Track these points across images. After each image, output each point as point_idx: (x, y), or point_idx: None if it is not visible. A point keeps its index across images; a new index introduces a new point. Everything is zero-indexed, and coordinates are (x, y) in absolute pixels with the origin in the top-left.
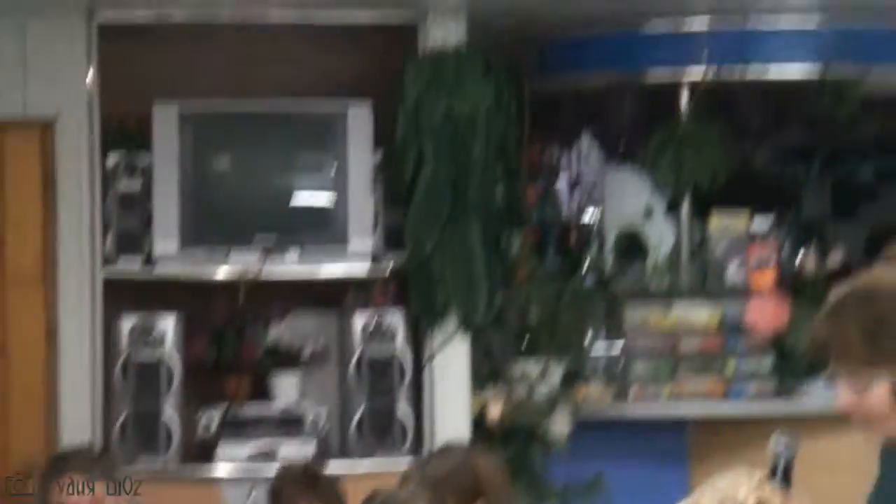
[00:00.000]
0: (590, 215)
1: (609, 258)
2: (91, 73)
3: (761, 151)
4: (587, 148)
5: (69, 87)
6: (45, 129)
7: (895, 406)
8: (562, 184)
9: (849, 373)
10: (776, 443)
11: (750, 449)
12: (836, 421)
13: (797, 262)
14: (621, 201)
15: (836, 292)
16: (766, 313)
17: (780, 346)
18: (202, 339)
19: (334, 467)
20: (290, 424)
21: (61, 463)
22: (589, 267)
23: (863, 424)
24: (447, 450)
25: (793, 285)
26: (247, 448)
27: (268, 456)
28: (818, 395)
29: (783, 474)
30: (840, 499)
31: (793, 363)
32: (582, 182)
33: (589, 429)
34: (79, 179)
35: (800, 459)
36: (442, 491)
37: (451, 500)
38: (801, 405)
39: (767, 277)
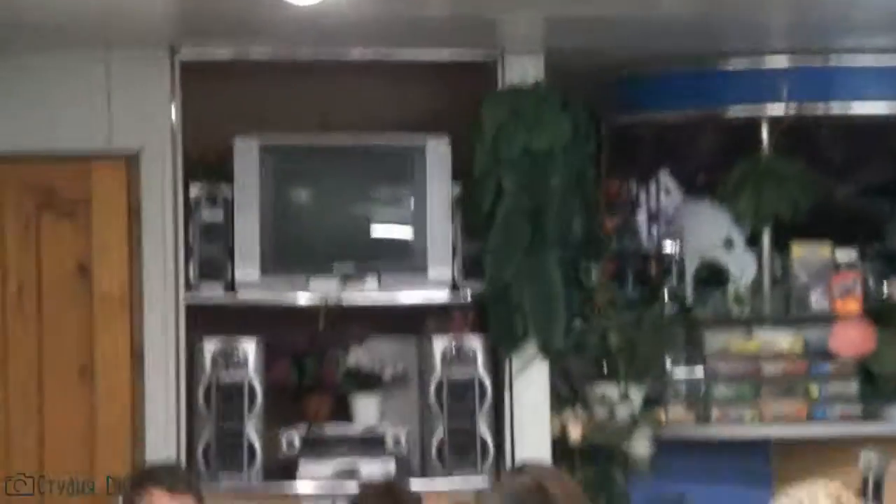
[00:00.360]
0: (669, 246)
1: (689, 287)
2: (174, 107)
3: (844, 185)
4: (666, 182)
5: (153, 121)
6: (130, 162)
7: None
8: (641, 216)
9: None
10: (865, 459)
11: (834, 470)
12: None
13: (882, 290)
14: (700, 233)
15: None
16: (851, 338)
17: (865, 370)
18: (283, 362)
19: (415, 486)
20: (370, 444)
21: (146, 475)
22: (668, 295)
23: None
24: (521, 470)
25: (878, 312)
26: (328, 467)
27: (349, 474)
28: None
29: (874, 490)
30: None
31: (879, 386)
32: (661, 215)
33: (672, 451)
34: (162, 209)
35: (890, 480)
36: None
37: None
38: (887, 427)
39: (852, 304)
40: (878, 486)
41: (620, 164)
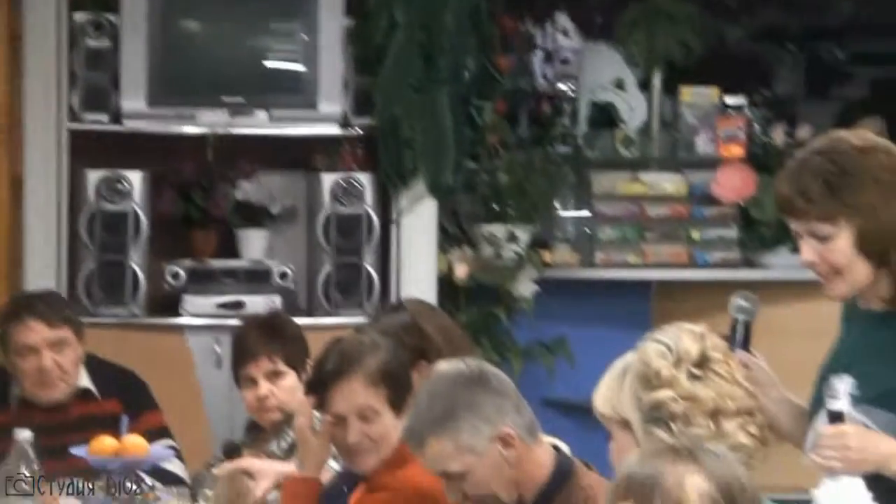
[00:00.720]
0: (563, 87)
1: (580, 129)
2: None
3: (735, 30)
4: (563, 23)
5: None
6: None
7: (857, 258)
8: (536, 57)
9: (811, 227)
10: (736, 304)
11: (712, 314)
12: (798, 289)
13: (767, 137)
14: (594, 75)
15: (801, 151)
16: (733, 183)
17: (746, 215)
18: (170, 194)
19: (301, 323)
20: (256, 279)
21: (23, 305)
22: (560, 136)
23: (827, 279)
24: (398, 307)
25: (761, 158)
26: (213, 300)
27: (234, 308)
28: (782, 264)
29: (743, 334)
30: (802, 364)
31: (758, 233)
32: (556, 56)
33: (555, 292)
34: (45, 35)
35: (762, 326)
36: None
37: (406, 354)
38: (765, 273)
39: (736, 149)
40: (747, 331)
41: (518, 2)
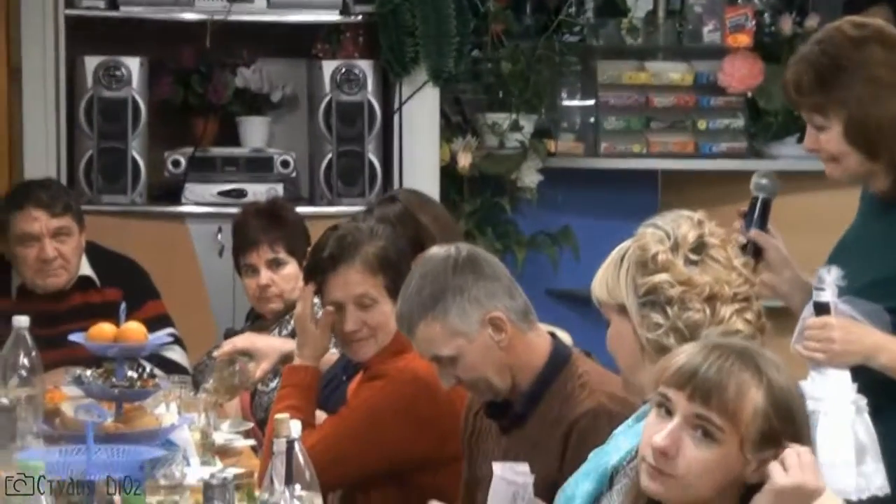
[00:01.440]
0: None
1: (586, 17)
2: None
3: None
4: None
5: None
6: None
7: (848, 148)
8: None
9: (807, 116)
10: (755, 182)
11: (719, 204)
12: (805, 179)
13: (775, 25)
14: None
15: (807, 41)
16: (740, 72)
17: (753, 105)
18: (168, 81)
19: (302, 211)
20: (257, 167)
21: (24, 194)
22: (565, 25)
23: (826, 163)
24: (393, 198)
25: (769, 47)
26: (213, 188)
27: (235, 196)
28: (789, 155)
29: (761, 212)
30: (809, 256)
31: (765, 122)
32: None
33: (559, 182)
34: None
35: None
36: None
37: (403, 242)
38: (772, 164)
39: (743, 38)
40: (765, 209)
41: None
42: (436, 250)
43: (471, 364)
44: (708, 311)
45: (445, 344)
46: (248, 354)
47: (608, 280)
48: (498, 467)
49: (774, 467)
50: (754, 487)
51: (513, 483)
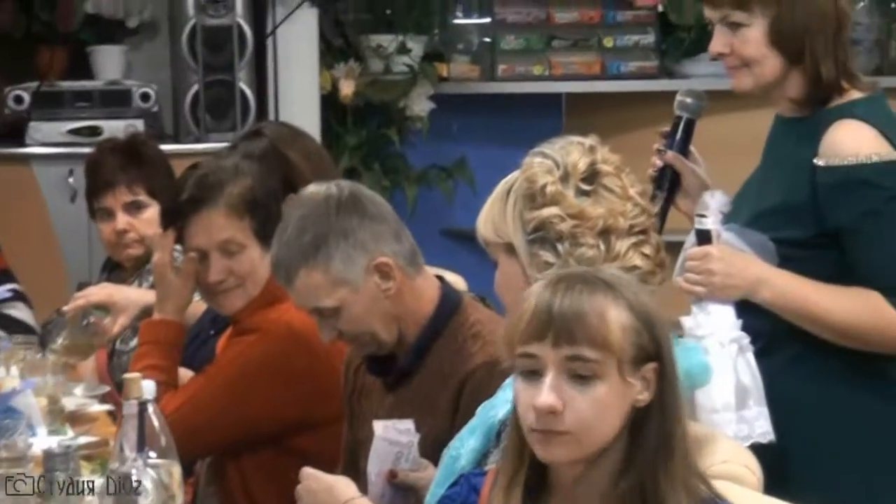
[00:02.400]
0: None
1: None
2: None
3: None
4: None
5: None
6: None
7: (769, 51)
8: None
9: (725, 14)
10: (679, 100)
11: (629, 128)
12: (721, 99)
13: None
14: None
15: None
16: None
17: (663, 20)
18: (8, 7)
19: (166, 150)
20: (113, 101)
21: None
22: None
23: (733, 71)
24: (258, 132)
25: None
26: (63, 126)
27: (88, 134)
28: (703, 73)
29: (683, 134)
30: (723, 180)
31: (677, 39)
32: None
33: (454, 109)
34: None
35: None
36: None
37: (273, 181)
38: (685, 83)
39: None
40: (688, 131)
41: None
42: (314, 189)
43: (355, 315)
44: (602, 246)
45: (328, 294)
46: (103, 308)
47: (494, 217)
48: (379, 426)
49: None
50: (644, 409)
51: (396, 443)
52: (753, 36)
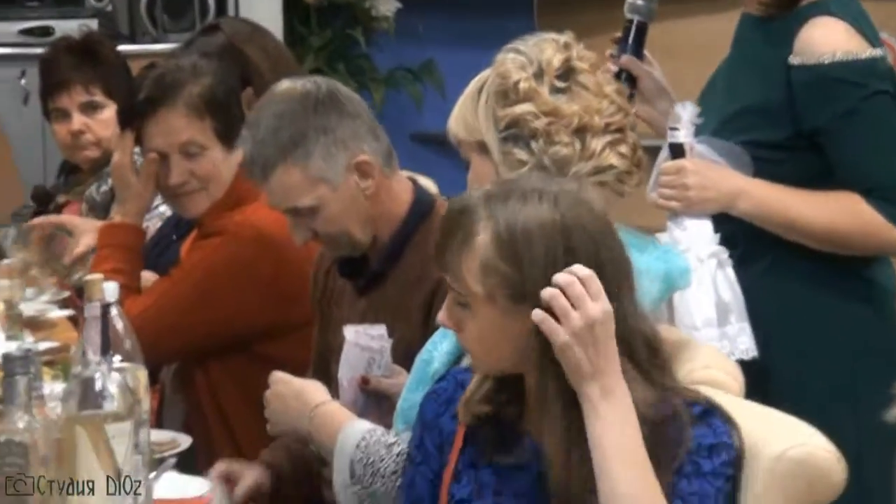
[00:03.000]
0: None
1: None
2: None
3: None
4: None
5: None
6: None
7: None
8: None
9: None
10: (632, 2)
11: (604, 28)
12: (684, 2)
13: None
14: None
15: None
16: None
17: None
18: None
19: (122, 50)
20: (67, 0)
21: None
22: None
23: None
24: (215, 27)
25: None
26: (14, 27)
27: (40, 34)
28: None
29: (636, 37)
30: (685, 85)
31: None
32: None
33: (422, 8)
34: None
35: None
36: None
37: (232, 79)
38: None
39: None
40: (641, 34)
41: None
42: (289, 85)
43: (333, 215)
44: (577, 144)
45: (306, 192)
46: (65, 230)
47: (466, 115)
48: (350, 331)
49: (546, 323)
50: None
51: (367, 349)
52: None
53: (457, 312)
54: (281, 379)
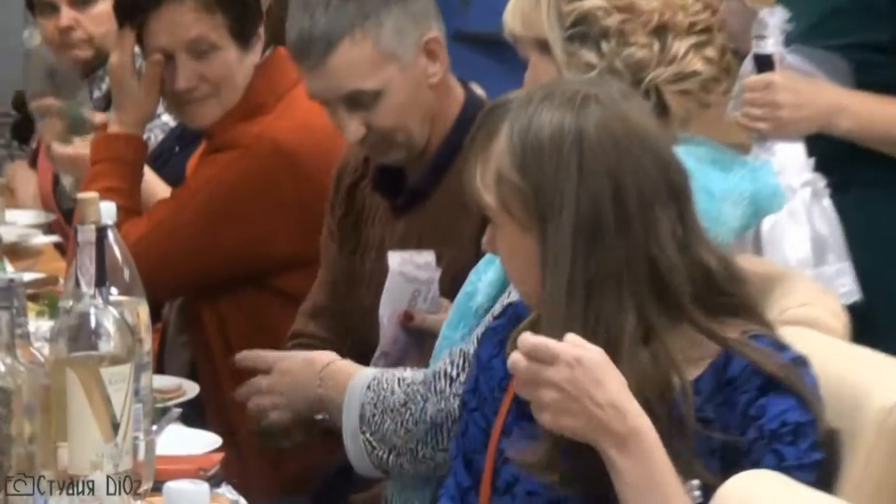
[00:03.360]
0: None
1: None
2: None
3: None
4: None
5: None
6: None
7: None
8: None
9: None
10: None
11: None
12: None
13: None
14: None
15: None
16: None
17: None
18: None
19: None
20: None
21: None
22: None
23: None
24: None
25: None
26: None
27: None
28: None
29: None
30: None
31: None
32: None
33: None
34: None
35: None
36: None
37: None
38: None
39: None
40: None
41: None
42: None
43: (397, 103)
44: (657, 45)
45: (373, 72)
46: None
47: (524, 7)
48: (395, 258)
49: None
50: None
51: (413, 279)
52: None
53: (491, 231)
54: (282, 357)
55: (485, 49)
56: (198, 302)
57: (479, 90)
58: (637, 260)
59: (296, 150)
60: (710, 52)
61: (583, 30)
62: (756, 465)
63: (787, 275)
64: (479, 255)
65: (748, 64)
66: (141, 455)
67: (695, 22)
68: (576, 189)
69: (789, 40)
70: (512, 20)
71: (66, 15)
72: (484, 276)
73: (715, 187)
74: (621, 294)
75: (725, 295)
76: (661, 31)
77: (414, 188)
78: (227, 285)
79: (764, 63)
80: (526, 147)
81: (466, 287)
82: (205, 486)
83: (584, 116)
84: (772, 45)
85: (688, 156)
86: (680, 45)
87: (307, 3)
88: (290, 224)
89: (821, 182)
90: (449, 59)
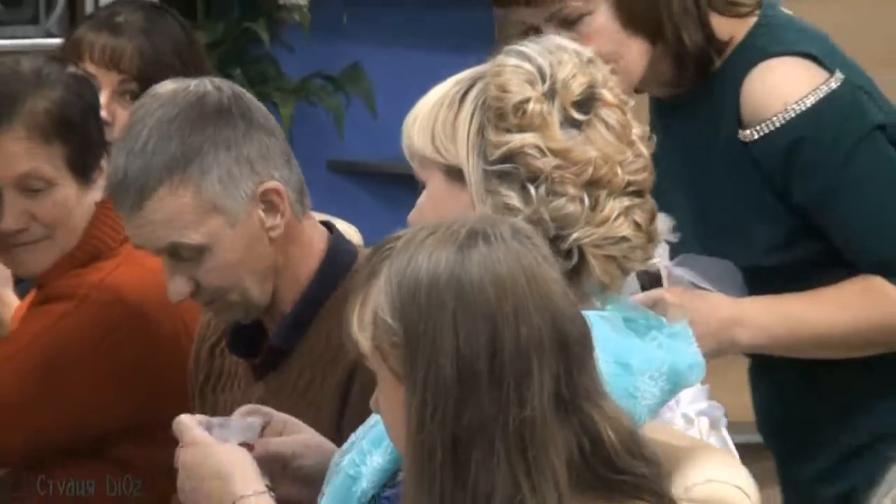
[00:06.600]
0: None
1: None
2: None
3: None
4: None
5: None
6: None
7: (626, 37)
8: None
9: (557, 11)
10: None
11: None
12: None
13: None
14: None
15: None
16: None
17: None
18: None
19: None
20: None
21: None
22: None
23: None
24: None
25: None
26: None
27: None
28: None
29: None
30: None
31: None
32: None
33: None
34: None
35: None
36: None
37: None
38: None
39: None
40: None
41: None
42: (177, 86)
43: (226, 261)
44: (587, 201)
45: (196, 224)
46: None
47: (436, 126)
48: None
49: None
50: None
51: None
52: (600, 24)
53: (377, 390)
54: (196, 440)
55: (359, 179)
56: (24, 473)
57: (349, 227)
58: (507, 418)
59: (142, 300)
60: (639, 216)
61: (510, 168)
62: None
63: (695, 446)
64: (340, 421)
65: (633, 281)
66: None
67: (631, 182)
68: (450, 335)
69: (675, 251)
70: (418, 137)
71: None
72: (369, 459)
73: (632, 359)
74: (492, 456)
75: (619, 472)
76: (594, 185)
77: (272, 347)
78: (59, 456)
79: (651, 280)
80: (402, 288)
81: (346, 468)
82: None
83: (467, 256)
84: (658, 259)
85: (603, 322)
86: (613, 206)
87: (126, 138)
88: (133, 387)
89: (719, 410)
90: (306, 205)
